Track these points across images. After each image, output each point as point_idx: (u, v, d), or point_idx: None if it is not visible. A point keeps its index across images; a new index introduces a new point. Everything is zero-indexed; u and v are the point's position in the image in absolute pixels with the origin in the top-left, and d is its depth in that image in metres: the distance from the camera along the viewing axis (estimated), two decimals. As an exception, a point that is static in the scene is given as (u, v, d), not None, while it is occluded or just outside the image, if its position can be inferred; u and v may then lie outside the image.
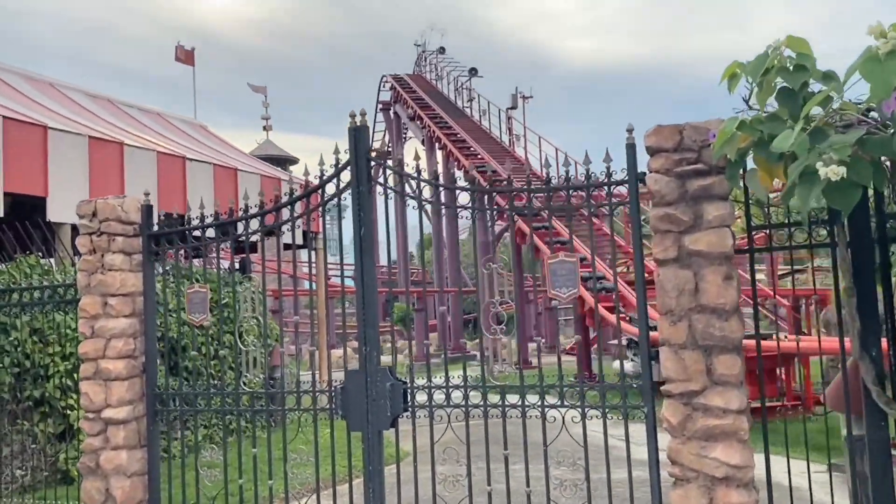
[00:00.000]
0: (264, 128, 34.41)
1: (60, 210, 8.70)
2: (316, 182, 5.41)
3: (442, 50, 34.33)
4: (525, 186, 4.89)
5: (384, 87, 33.96)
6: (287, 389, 5.40)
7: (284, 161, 32.31)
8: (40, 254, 8.00)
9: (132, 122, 12.35)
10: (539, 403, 4.69)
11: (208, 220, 5.76)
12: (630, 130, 4.48)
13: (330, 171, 5.34)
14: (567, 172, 4.69)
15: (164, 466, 5.92)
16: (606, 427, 4.48)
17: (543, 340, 21.93)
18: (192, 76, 17.48)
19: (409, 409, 5.04)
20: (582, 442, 4.50)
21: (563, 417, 4.60)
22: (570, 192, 4.70)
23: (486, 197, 5.52)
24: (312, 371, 5.35)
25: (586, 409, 4.57)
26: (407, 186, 5.22)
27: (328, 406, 5.22)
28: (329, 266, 17.62)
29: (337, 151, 5.30)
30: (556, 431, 4.53)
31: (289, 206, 5.50)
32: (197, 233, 5.91)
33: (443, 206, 5.61)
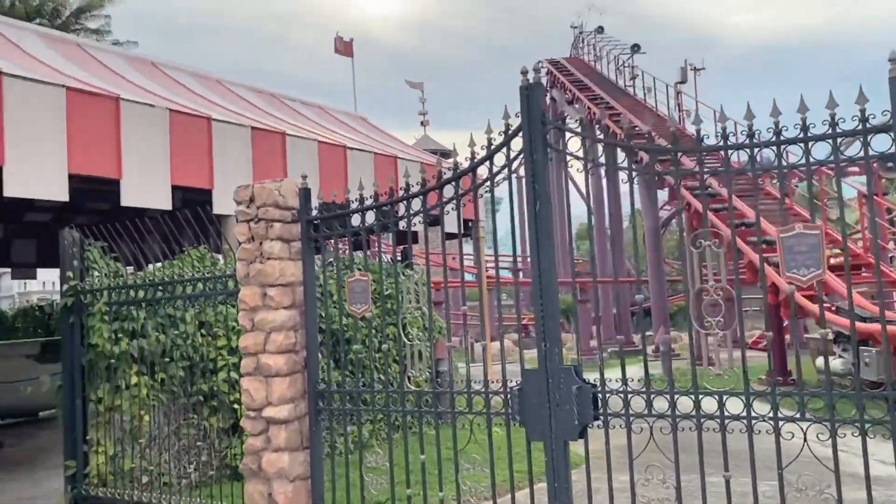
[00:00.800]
0: (422, 123, 34.50)
1: (225, 202, 8.63)
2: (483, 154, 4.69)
3: (600, 29, 32.75)
4: (753, 141, 3.88)
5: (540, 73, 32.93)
6: (457, 389, 4.74)
7: (443, 156, 32.27)
8: (206, 246, 7.90)
9: (295, 114, 12.35)
10: (770, 415, 3.72)
11: (368, 203, 5.24)
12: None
13: (499, 140, 4.61)
14: (804, 120, 3.65)
15: (325, 466, 5.49)
16: (836, 443, 3.48)
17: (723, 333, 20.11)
18: (350, 70, 17.52)
19: (601, 417, 4.23)
20: (828, 464, 3.49)
21: (805, 434, 3.60)
22: (809, 144, 3.65)
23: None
24: (485, 370, 4.67)
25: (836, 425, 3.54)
26: (581, 154, 4.38)
27: (503, 410, 4.52)
28: (491, 256, 17.03)
29: (507, 116, 4.56)
30: (786, 449, 3.54)
31: (453, 183, 4.84)
32: (356, 219, 5.41)
33: (643, 174, 4.68)
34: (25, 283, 46.72)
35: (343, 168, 10.47)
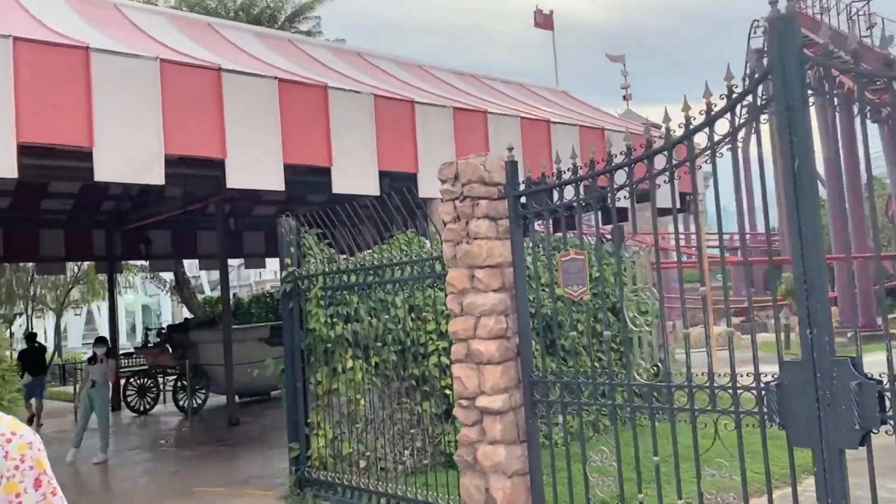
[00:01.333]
0: (624, 97, 32.99)
1: (430, 186, 8.47)
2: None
3: (826, -25, 29.17)
4: None
5: (754, 33, 30.01)
6: (697, 384, 4.07)
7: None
8: (413, 230, 7.77)
9: (495, 93, 12.04)
10: None
11: (581, 174, 4.69)
12: None
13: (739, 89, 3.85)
14: None
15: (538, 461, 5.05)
16: None
17: None
18: (547, 48, 16.90)
19: (890, 420, 3.37)
20: None
21: None
22: None
23: None
24: (731, 360, 3.95)
25: None
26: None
27: (756, 409, 3.79)
28: (712, 234, 15.67)
29: (761, 52, 3.76)
30: None
31: (685, 141, 4.15)
32: (568, 193, 4.88)
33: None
34: (260, 273, 51.57)
35: (547, 143, 9.96)
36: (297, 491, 7.11)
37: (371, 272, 6.74)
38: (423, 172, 8.75)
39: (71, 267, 24.54)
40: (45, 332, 32.51)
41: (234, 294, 28.59)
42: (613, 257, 4.78)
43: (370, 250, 7.18)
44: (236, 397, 13.87)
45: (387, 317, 7.49)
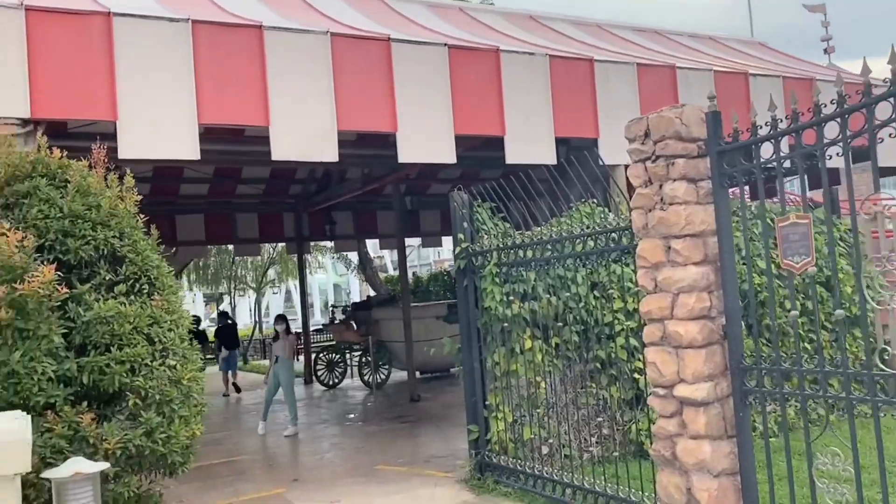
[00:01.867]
0: (825, 51, 29.64)
1: (613, 151, 7.79)
2: None
3: None
4: None
5: None
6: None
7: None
8: (594, 201, 7.15)
9: (683, 48, 10.99)
10: None
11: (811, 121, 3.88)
12: None
13: None
14: None
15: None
16: None
17: None
18: (737, 11, 15.34)
19: None
20: None
21: None
22: None
23: None
24: None
25: None
26: None
27: None
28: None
29: None
30: None
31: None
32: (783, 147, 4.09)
33: None
34: (439, 252, 52.70)
35: (745, 98, 8.88)
36: (478, 475, 6.82)
37: (549, 246, 6.24)
38: (605, 137, 8.08)
39: (267, 249, 26.27)
40: (248, 310, 35.32)
41: (413, 273, 29.35)
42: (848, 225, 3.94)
43: (547, 224, 6.67)
44: (417, 373, 13.98)
45: (567, 294, 6.97)
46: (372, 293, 20.65)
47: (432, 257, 52.26)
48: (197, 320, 18.03)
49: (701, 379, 4.33)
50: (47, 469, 3.76)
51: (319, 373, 15.73)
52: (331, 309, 17.54)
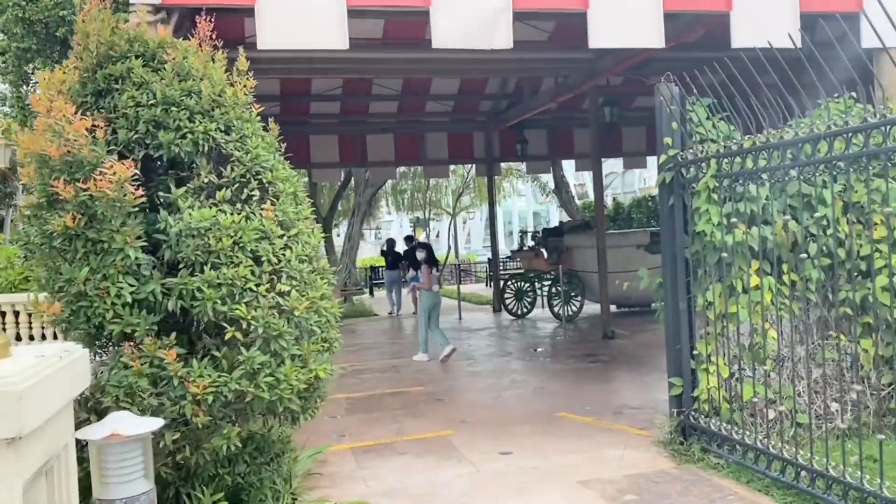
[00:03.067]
0: None
1: (879, 31, 5.79)
2: None
3: None
4: None
5: None
6: None
7: None
8: (851, 95, 5.35)
9: None
10: None
11: None
12: None
13: None
14: None
15: None
16: None
17: None
18: None
19: None
20: None
21: None
22: None
23: None
24: None
25: None
26: None
27: None
28: None
29: None
30: None
31: None
32: None
33: None
34: (645, 179, 49.58)
35: None
36: (680, 439, 5.53)
37: (786, 150, 4.65)
38: (870, 10, 6.06)
39: (461, 172, 25.70)
40: (447, 235, 35.49)
41: (613, 199, 27.46)
42: None
43: (784, 125, 5.02)
44: (612, 307, 12.64)
45: (809, 218, 5.33)
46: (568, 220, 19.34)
47: (637, 184, 49.32)
48: (391, 242, 18.65)
49: None
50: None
51: (507, 301, 14.89)
52: (520, 235, 16.51)
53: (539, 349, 11.00)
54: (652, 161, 18.09)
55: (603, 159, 14.21)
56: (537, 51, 10.20)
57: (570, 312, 13.65)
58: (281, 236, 3.63)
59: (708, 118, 5.52)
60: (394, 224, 48.41)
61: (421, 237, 31.68)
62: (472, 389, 8.32)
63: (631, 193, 46.80)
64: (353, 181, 19.69)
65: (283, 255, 3.58)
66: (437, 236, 39.41)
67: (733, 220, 5.10)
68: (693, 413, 5.47)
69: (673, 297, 5.58)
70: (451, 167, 20.38)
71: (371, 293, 21.91)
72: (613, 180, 44.97)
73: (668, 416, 5.76)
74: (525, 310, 14.86)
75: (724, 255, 5.16)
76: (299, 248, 3.66)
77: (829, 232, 5.26)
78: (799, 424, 4.99)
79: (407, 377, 9.14)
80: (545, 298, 14.59)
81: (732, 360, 5.35)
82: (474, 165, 18.48)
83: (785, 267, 5.31)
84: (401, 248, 17.67)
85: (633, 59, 9.57)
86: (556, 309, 13.84)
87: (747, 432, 5.03)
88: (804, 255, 4.99)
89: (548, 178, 22.38)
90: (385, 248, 18.78)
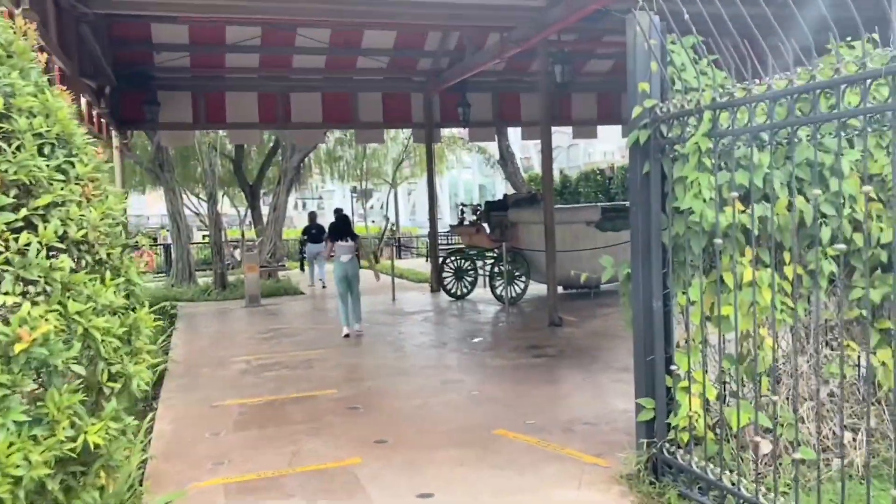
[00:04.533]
0: None
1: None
2: None
3: None
4: None
5: None
6: None
7: None
8: (869, 37, 4.08)
9: None
10: None
11: None
12: None
13: None
14: None
15: None
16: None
17: None
18: None
19: None
20: None
21: None
22: None
23: None
24: None
25: None
26: None
27: None
28: None
29: None
30: None
31: None
32: None
33: None
34: (589, 154, 48.74)
35: None
36: (650, 478, 4.29)
37: (795, 100, 3.40)
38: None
39: (401, 140, 24.13)
40: (395, 206, 33.94)
41: (559, 171, 26.29)
42: None
43: (787, 73, 3.75)
44: (559, 288, 11.43)
45: (821, 194, 4.10)
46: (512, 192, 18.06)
47: (582, 159, 48.46)
48: (312, 215, 18.29)
49: None
50: None
51: (446, 281, 13.56)
52: (459, 208, 15.15)
53: (477, 339, 9.71)
54: (603, 131, 16.92)
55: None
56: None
57: (514, 294, 12.40)
58: (14, 208, 2.17)
59: (694, 62, 4.21)
60: (336, 194, 46.53)
61: (367, 208, 30.24)
62: (395, 394, 6.96)
63: (576, 168, 45.88)
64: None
65: (11, 240, 2.12)
66: (382, 208, 37.81)
67: (732, 193, 3.81)
68: (667, 445, 4.23)
69: (645, 294, 4.30)
70: (388, 132, 18.88)
71: (302, 268, 20.37)
72: (559, 155, 44.00)
73: (633, 445, 4.52)
74: (465, 290, 13.56)
75: (717, 240, 3.88)
76: (54, 227, 2.22)
77: (845, 212, 4.06)
78: (802, 461, 3.82)
79: (320, 375, 7.73)
80: (487, 278, 13.31)
81: (720, 376, 4.12)
82: (412, 131, 17.03)
83: (788, 256, 4.09)
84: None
85: (586, 8, 8.29)
86: (498, 290, 12.57)
87: (743, 479, 3.80)
88: (808, 242, 3.76)
89: (494, 150, 21.04)
90: (309, 222, 18.00)
